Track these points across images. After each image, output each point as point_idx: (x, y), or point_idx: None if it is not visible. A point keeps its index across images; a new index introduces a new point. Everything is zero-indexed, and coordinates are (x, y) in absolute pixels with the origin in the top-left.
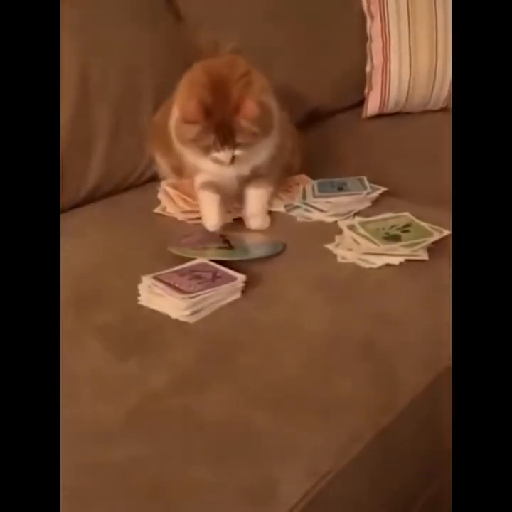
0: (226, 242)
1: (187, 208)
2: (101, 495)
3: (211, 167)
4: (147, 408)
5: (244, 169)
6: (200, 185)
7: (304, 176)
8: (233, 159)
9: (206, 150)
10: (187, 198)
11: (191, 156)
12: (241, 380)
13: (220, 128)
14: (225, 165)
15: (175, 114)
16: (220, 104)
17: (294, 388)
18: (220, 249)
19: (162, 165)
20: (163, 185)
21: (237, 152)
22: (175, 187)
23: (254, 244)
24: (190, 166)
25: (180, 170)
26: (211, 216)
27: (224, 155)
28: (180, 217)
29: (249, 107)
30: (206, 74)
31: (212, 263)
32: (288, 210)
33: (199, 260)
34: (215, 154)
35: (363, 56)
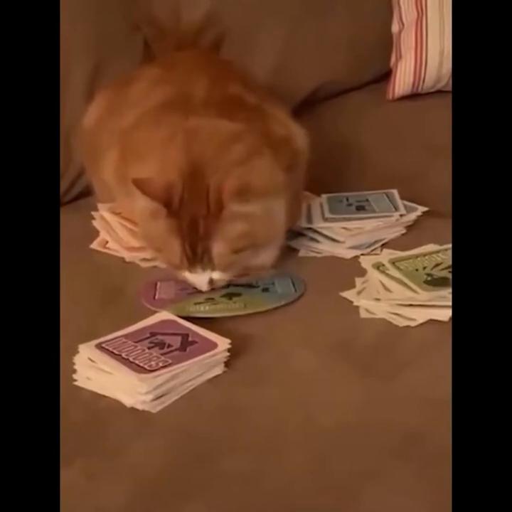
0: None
1: (134, 243)
2: None
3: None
4: None
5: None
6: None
7: (305, 193)
8: (212, 282)
9: (168, 261)
10: (135, 228)
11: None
12: (225, 493)
13: (190, 235)
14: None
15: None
16: (194, 197)
17: (301, 504)
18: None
19: (95, 187)
20: (101, 209)
21: (216, 275)
22: (117, 212)
23: (266, 283)
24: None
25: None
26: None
27: (196, 278)
28: (127, 256)
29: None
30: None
31: (181, 321)
32: (287, 239)
33: (162, 316)
34: (185, 273)
35: (387, 10)
